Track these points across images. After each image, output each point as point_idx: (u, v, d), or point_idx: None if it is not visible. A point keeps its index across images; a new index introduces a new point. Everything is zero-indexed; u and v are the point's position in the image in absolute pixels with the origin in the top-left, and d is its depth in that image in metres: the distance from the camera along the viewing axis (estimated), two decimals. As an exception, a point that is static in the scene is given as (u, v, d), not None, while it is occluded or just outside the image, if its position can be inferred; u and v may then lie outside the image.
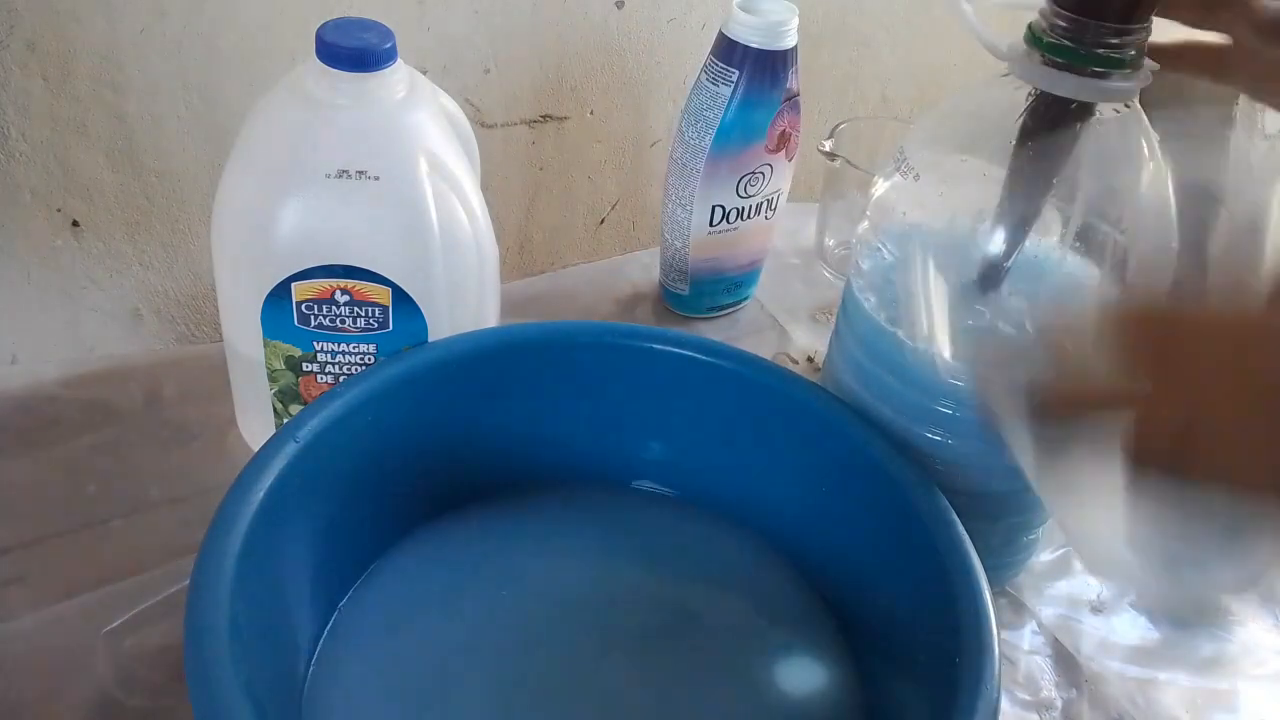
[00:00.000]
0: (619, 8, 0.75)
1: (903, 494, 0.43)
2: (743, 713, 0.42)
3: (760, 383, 0.48)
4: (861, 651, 0.45)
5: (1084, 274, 0.43)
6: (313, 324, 0.46)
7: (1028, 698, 0.47)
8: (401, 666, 0.42)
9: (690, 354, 0.48)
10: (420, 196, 0.44)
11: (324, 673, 0.41)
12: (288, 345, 0.46)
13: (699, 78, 0.61)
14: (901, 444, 0.45)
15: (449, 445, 0.47)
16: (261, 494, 0.37)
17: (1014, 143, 0.41)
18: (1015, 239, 0.42)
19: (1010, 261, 0.42)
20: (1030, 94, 0.40)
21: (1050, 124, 0.40)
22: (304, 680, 0.40)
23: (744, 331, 0.68)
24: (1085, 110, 0.40)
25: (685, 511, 0.50)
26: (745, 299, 0.69)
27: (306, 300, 0.45)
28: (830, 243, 0.73)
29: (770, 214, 0.65)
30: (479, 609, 0.45)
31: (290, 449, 0.39)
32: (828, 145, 0.68)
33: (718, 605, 0.47)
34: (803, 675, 0.45)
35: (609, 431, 0.50)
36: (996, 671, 0.36)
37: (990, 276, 0.42)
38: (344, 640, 0.42)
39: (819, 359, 0.65)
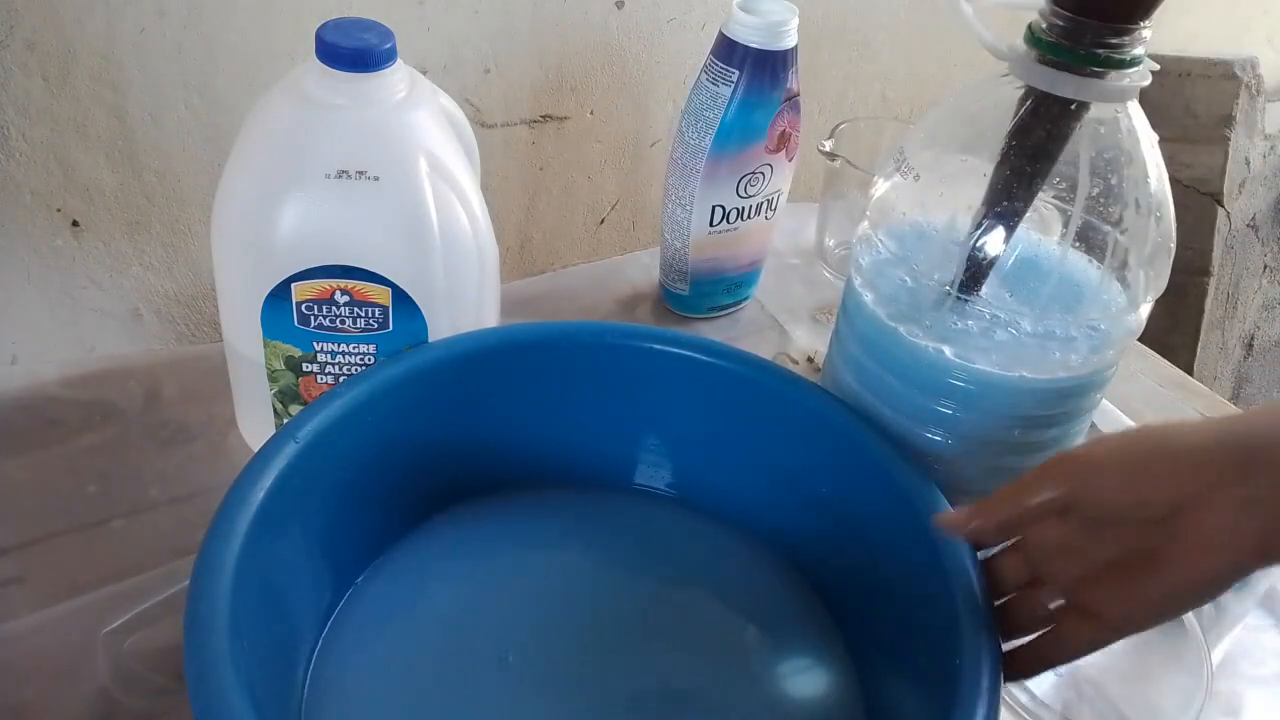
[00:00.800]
0: (619, 8, 0.75)
1: (903, 494, 0.43)
2: (743, 712, 0.42)
3: (760, 383, 0.48)
4: (861, 651, 0.45)
5: (1084, 274, 0.43)
6: (313, 324, 0.46)
7: (1028, 698, 0.47)
8: (402, 665, 0.42)
9: (690, 354, 0.48)
10: (420, 196, 0.44)
11: (325, 671, 0.41)
12: (288, 345, 0.46)
13: (699, 78, 0.61)
14: (901, 444, 0.45)
15: (449, 445, 0.47)
16: (261, 494, 0.37)
17: (1008, 141, 0.41)
18: (1001, 239, 0.42)
19: (1003, 261, 0.42)
20: (1026, 93, 0.40)
21: (1049, 123, 0.40)
22: (304, 679, 0.40)
23: (744, 331, 0.68)
24: (1083, 109, 0.40)
25: (685, 511, 0.50)
26: (745, 299, 0.69)
27: (306, 300, 0.45)
28: (830, 243, 0.73)
29: (770, 214, 0.65)
30: (479, 608, 0.45)
31: (290, 449, 0.39)
32: (828, 145, 0.68)
33: (717, 604, 0.47)
34: (803, 675, 0.45)
35: (609, 431, 0.50)
36: (997, 672, 0.36)
37: (974, 276, 0.42)
38: (345, 639, 0.42)
39: (819, 359, 0.65)
